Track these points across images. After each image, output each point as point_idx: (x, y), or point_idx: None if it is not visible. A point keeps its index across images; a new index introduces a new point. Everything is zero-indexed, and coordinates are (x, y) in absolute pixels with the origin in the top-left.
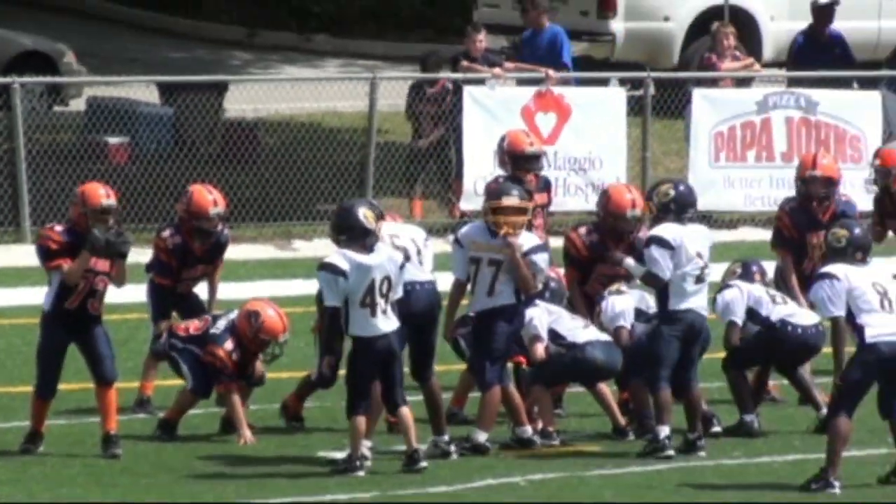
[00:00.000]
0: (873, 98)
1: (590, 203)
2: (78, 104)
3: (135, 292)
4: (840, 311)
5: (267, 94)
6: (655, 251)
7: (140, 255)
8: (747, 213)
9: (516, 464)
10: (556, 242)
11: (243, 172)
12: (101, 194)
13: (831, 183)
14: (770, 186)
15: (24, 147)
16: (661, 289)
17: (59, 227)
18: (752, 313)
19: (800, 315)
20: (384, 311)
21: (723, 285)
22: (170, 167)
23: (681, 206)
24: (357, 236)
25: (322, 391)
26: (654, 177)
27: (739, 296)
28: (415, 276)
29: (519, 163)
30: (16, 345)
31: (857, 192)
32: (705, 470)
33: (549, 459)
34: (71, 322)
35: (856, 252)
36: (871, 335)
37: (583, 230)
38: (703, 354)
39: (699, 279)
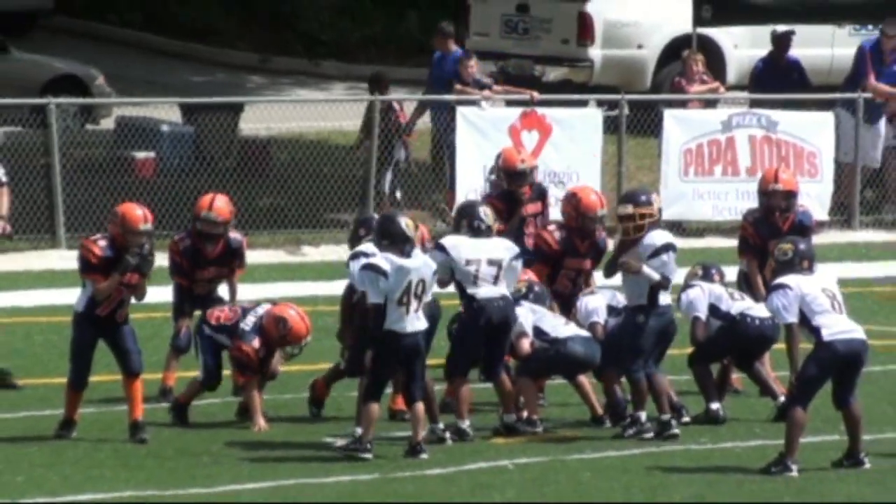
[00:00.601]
0: (827, 118)
1: None
2: (108, 123)
3: (160, 293)
4: (794, 318)
5: (279, 114)
6: (667, 257)
7: (165, 259)
8: (714, 223)
9: (504, 449)
10: None
11: (257, 185)
12: (140, 218)
13: (791, 195)
14: (736, 198)
15: (59, 162)
16: (654, 288)
17: (102, 242)
18: (713, 309)
19: (756, 308)
20: (416, 311)
21: (685, 285)
22: (191, 180)
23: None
24: (398, 242)
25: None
26: (628, 189)
27: (701, 294)
28: None
29: (512, 178)
30: (52, 340)
31: (813, 203)
32: (675, 454)
33: (534, 445)
34: (100, 323)
35: (802, 262)
36: (827, 334)
37: (552, 227)
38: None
39: None
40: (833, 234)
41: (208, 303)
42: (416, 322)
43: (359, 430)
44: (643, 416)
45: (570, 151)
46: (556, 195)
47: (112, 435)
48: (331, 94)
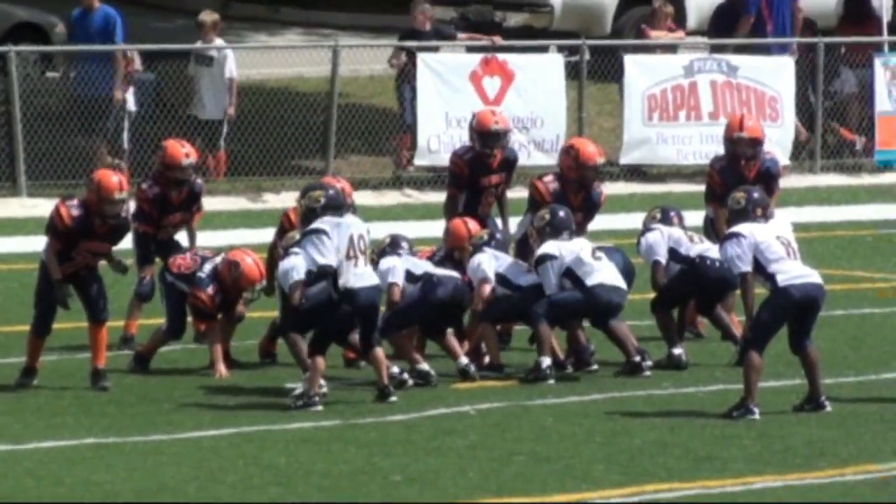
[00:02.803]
0: (787, 63)
1: (532, 159)
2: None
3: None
4: (748, 267)
5: (240, 61)
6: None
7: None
8: (676, 167)
9: (466, 394)
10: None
11: (218, 132)
12: (115, 186)
13: (757, 143)
14: (700, 142)
15: (19, 110)
16: None
17: (74, 210)
18: (673, 252)
19: (715, 250)
20: (365, 265)
21: (644, 229)
22: (151, 127)
23: None
24: (334, 208)
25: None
26: (590, 134)
27: (661, 238)
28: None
29: (485, 139)
30: (13, 288)
31: (774, 147)
32: (637, 400)
33: (496, 391)
34: (66, 271)
35: (756, 210)
36: (782, 280)
37: (548, 178)
38: None
39: None
40: (794, 178)
41: (169, 249)
42: (368, 277)
43: (305, 385)
44: (546, 361)
45: (533, 97)
46: (519, 140)
47: (73, 383)
48: (291, 41)
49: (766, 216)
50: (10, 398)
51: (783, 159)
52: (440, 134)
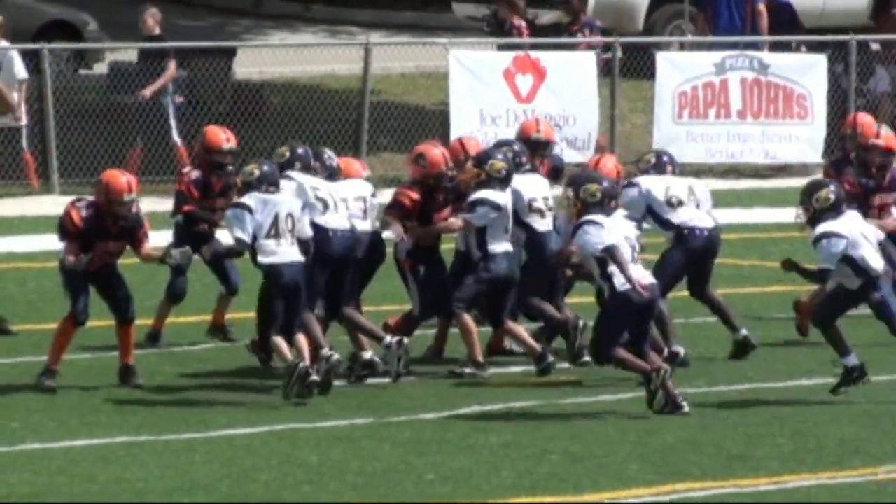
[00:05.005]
0: (819, 60)
1: (564, 156)
2: (101, 68)
3: (156, 239)
4: (608, 243)
5: (272, 58)
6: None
7: (157, 204)
8: (707, 165)
9: (500, 393)
10: None
11: (251, 129)
12: (124, 187)
13: (890, 153)
14: (727, 141)
15: (52, 107)
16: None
17: (84, 211)
18: (649, 211)
19: (698, 218)
20: (291, 244)
21: (627, 183)
22: (184, 124)
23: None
24: (265, 182)
25: None
26: (622, 132)
27: (637, 196)
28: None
29: (530, 148)
30: (46, 286)
31: (804, 146)
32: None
33: (528, 389)
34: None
35: (610, 201)
36: (620, 284)
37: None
38: None
39: None
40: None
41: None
42: (291, 254)
43: (281, 365)
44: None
45: (566, 94)
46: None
47: (106, 381)
48: (322, 39)
49: (617, 207)
50: (43, 397)
51: (815, 157)
52: (474, 131)
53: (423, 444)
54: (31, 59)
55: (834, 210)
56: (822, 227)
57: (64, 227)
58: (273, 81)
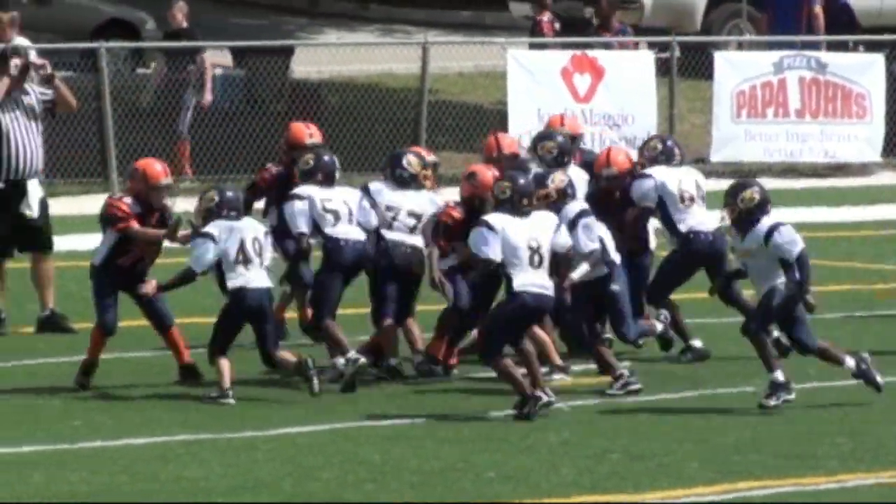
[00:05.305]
0: (877, 60)
1: None
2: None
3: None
4: (496, 257)
5: (329, 57)
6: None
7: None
8: (766, 164)
9: (559, 391)
10: None
11: None
12: (160, 173)
13: None
14: (786, 140)
15: (110, 106)
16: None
17: (127, 199)
18: (659, 203)
19: (703, 222)
20: (260, 268)
21: (638, 174)
22: (242, 123)
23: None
24: (227, 208)
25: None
26: (681, 131)
27: (652, 188)
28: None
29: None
30: None
31: (863, 145)
32: (728, 397)
33: (590, 388)
34: (120, 273)
35: (522, 199)
36: (517, 285)
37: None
38: None
39: None
40: (886, 176)
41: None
42: (258, 279)
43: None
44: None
45: (623, 94)
46: (610, 137)
47: (165, 379)
48: (378, 38)
49: (531, 205)
50: (102, 395)
51: (873, 156)
52: (532, 130)
53: (482, 443)
54: (89, 58)
55: (760, 210)
56: (767, 220)
57: (112, 216)
58: (331, 80)
